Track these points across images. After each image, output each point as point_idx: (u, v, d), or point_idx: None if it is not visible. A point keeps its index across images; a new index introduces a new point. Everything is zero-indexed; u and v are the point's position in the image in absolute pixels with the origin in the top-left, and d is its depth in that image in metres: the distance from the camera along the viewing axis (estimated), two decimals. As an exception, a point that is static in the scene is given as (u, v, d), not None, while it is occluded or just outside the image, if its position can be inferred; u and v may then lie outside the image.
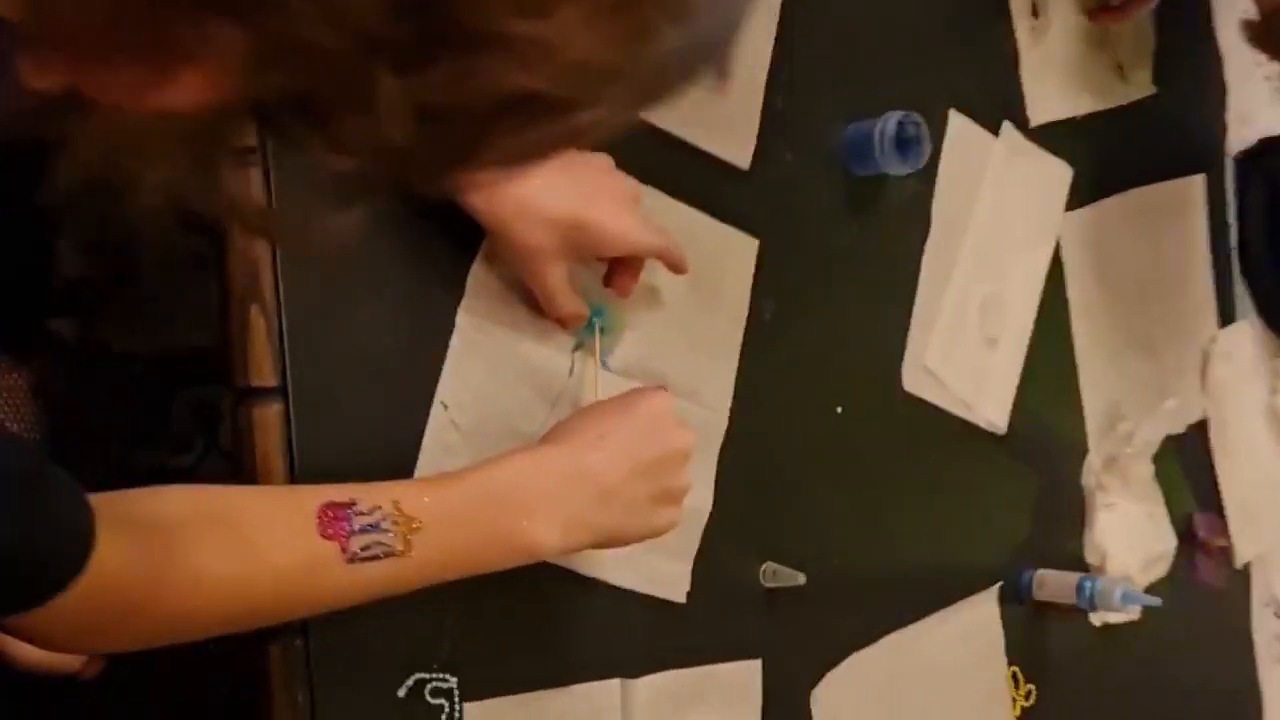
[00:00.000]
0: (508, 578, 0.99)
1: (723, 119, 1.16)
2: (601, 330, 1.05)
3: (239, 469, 0.91)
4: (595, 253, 0.99)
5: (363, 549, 0.78)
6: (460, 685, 0.97)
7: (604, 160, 1.01)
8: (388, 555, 0.79)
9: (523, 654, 1.01)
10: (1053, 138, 1.46)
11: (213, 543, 0.75)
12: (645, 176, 1.09)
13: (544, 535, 0.85)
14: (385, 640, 0.94)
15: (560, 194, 0.94)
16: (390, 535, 0.79)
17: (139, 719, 0.92)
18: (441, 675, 0.96)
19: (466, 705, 0.97)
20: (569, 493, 0.87)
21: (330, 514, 0.78)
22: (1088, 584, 1.37)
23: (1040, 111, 1.45)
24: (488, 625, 0.99)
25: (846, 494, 1.25)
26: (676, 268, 1.05)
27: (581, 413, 0.95)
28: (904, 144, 1.23)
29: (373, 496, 0.80)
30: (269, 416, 0.90)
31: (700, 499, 1.13)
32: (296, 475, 0.90)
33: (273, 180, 0.89)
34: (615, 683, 1.06)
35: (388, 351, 0.95)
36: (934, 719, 1.32)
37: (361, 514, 0.79)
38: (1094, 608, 1.37)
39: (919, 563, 1.32)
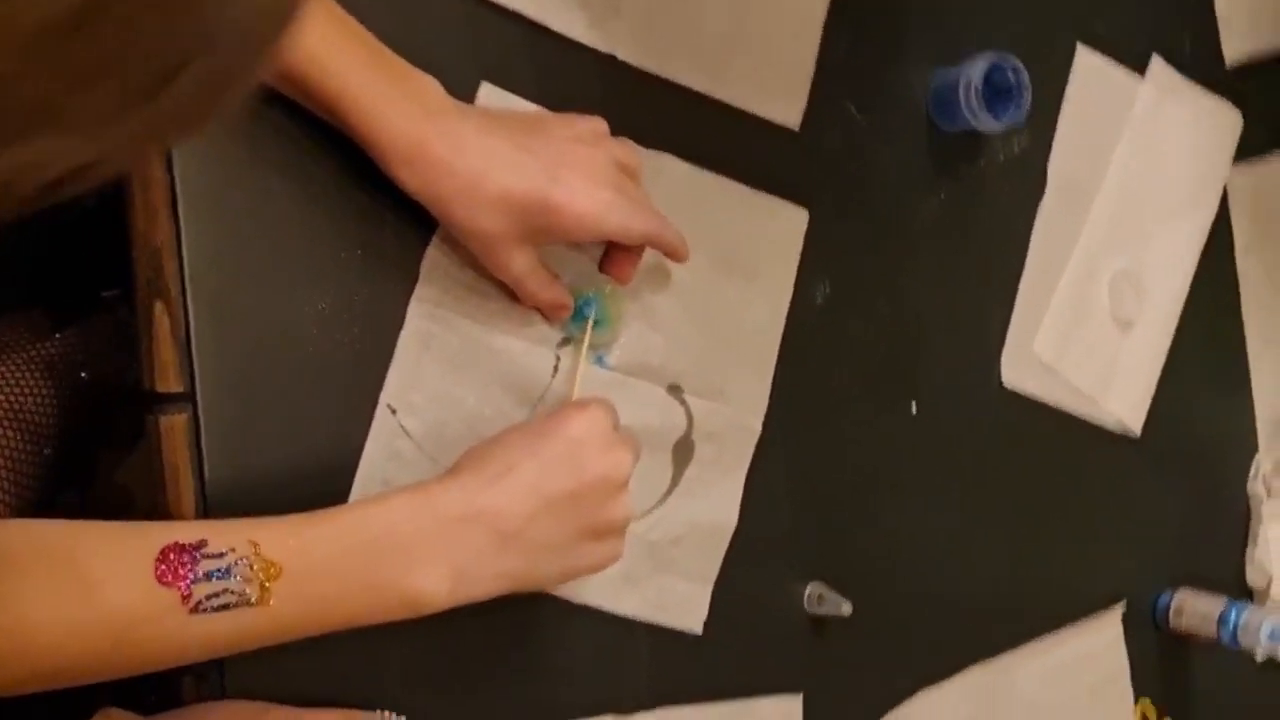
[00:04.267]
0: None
1: (765, 67, 0.98)
2: (595, 323, 0.91)
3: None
4: (563, 238, 0.84)
5: (209, 597, 0.67)
6: (411, 726, 0.85)
7: (582, 125, 0.85)
8: (241, 605, 0.68)
9: (489, 692, 0.89)
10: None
11: (43, 582, 0.66)
12: (661, 142, 0.93)
13: (430, 585, 0.72)
14: (313, 675, 0.82)
15: (513, 169, 0.80)
16: (244, 583, 0.68)
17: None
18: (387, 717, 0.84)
19: (416, 749, 0.85)
20: (460, 537, 0.73)
21: (172, 557, 0.67)
22: (1233, 612, 1.15)
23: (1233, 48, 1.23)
24: (446, 659, 0.87)
25: (920, 508, 1.07)
26: (674, 255, 0.89)
27: (492, 441, 0.80)
28: (998, 94, 1.03)
29: (228, 537, 0.69)
30: (175, 425, 0.80)
31: (722, 514, 0.97)
32: (208, 494, 0.80)
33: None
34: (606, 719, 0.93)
35: (322, 350, 0.83)
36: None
37: (210, 556, 0.68)
38: (1236, 644, 1.15)
39: (1016, 588, 1.13)
